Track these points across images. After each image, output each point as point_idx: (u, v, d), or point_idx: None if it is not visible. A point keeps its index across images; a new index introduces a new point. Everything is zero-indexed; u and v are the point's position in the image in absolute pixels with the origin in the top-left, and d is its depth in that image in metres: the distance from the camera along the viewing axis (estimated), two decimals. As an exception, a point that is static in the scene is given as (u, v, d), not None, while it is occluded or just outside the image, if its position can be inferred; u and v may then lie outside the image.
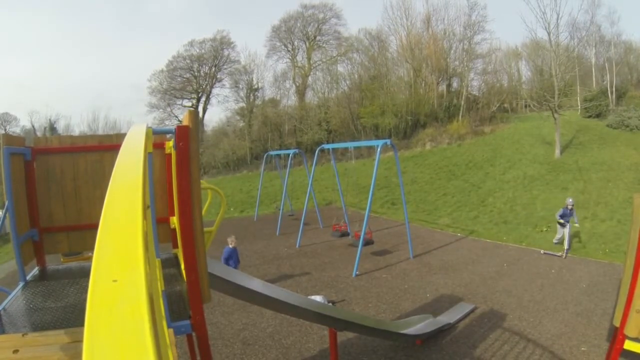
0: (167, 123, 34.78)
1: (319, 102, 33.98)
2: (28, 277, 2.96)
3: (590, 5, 25.29)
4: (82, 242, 3.30)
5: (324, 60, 36.18)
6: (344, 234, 11.12)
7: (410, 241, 9.31)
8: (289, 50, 37.51)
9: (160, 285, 1.84)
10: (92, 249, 0.72)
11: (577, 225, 9.52)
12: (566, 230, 9.08)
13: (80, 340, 1.78)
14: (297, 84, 36.38)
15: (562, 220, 9.21)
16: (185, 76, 37.10)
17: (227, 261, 6.56)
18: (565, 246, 8.92)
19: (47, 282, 2.93)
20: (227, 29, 45.97)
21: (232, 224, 14.51)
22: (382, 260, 9.05)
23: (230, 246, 6.76)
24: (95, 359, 0.50)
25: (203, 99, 37.75)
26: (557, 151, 17.92)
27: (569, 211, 9.18)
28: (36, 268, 3.21)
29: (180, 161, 2.22)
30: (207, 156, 31.84)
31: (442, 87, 30.73)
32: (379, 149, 8.76)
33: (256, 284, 3.24)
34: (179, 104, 37.37)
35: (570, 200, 9.38)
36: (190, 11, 54.82)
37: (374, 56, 32.91)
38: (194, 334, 2.34)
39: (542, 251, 9.31)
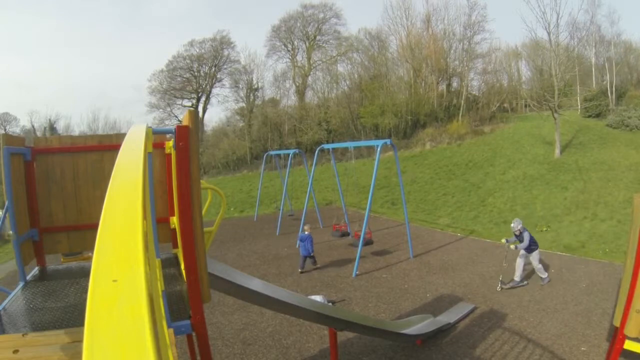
0: (167, 123, 34.78)
1: (319, 102, 34.00)
2: (28, 277, 2.96)
3: (590, 5, 25.36)
4: (82, 242, 3.30)
5: (324, 60, 36.19)
6: (344, 234, 11.12)
7: (410, 241, 9.31)
8: (288, 50, 37.52)
9: (160, 285, 1.84)
10: (92, 249, 0.72)
11: (509, 243, 7.15)
12: (518, 260, 7.09)
13: (80, 340, 1.78)
14: (297, 84, 36.37)
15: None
16: (185, 76, 37.09)
17: (302, 243, 8.29)
18: (516, 277, 6.99)
19: (47, 282, 2.93)
20: (227, 29, 45.98)
21: (232, 224, 14.52)
22: (382, 260, 9.05)
23: (306, 233, 8.39)
24: (95, 359, 0.50)
25: (203, 98, 37.76)
26: (557, 151, 17.92)
27: (515, 238, 7.14)
28: (36, 268, 3.21)
29: (180, 161, 2.22)
30: (207, 156, 31.83)
31: (442, 87, 30.75)
32: (378, 149, 8.76)
33: (256, 284, 3.24)
34: (179, 104, 37.38)
35: (514, 224, 7.12)
36: (190, 11, 54.85)
37: (374, 56, 32.92)
38: (194, 334, 2.34)
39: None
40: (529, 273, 7.73)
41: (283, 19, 37.04)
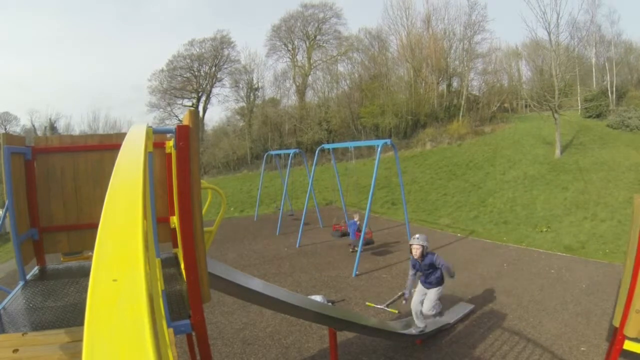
0: (167, 122, 34.79)
1: (319, 101, 34.00)
2: (28, 277, 2.96)
3: (591, 5, 25.34)
4: (82, 242, 3.30)
5: (324, 59, 36.19)
6: (344, 234, 11.11)
7: (410, 241, 9.30)
8: (289, 50, 37.52)
9: (160, 285, 1.84)
10: (92, 248, 0.72)
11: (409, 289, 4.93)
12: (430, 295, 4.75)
13: (80, 340, 1.78)
14: (297, 84, 36.38)
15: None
16: (185, 76, 37.10)
17: (350, 229, 9.41)
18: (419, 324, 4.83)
19: (47, 281, 2.94)
20: (227, 29, 46.14)
21: (232, 224, 14.52)
22: (382, 260, 9.05)
23: (356, 220, 9.36)
24: (95, 358, 0.50)
25: (203, 98, 37.78)
26: (558, 151, 17.92)
27: (434, 259, 4.70)
28: (36, 267, 3.21)
29: (180, 161, 2.22)
30: (207, 156, 31.84)
31: (442, 87, 30.75)
32: (379, 149, 8.75)
33: (256, 284, 3.24)
34: (179, 104, 37.42)
35: (418, 241, 4.72)
36: (190, 11, 54.87)
37: (374, 56, 32.93)
38: (193, 333, 2.34)
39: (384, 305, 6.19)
40: (527, 275, 7.72)
41: (283, 19, 37.10)
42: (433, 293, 4.76)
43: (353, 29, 40.35)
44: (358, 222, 9.28)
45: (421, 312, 4.81)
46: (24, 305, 2.48)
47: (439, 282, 4.78)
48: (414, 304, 4.86)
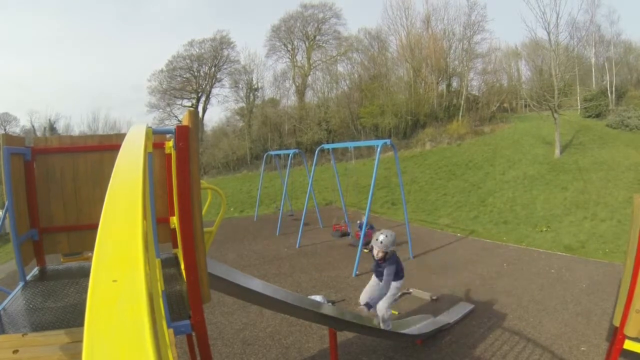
0: (167, 123, 34.75)
1: (319, 102, 33.99)
2: (28, 277, 2.96)
3: (590, 5, 25.33)
4: (82, 242, 3.30)
5: (324, 60, 36.19)
6: (344, 234, 11.11)
7: (410, 241, 9.30)
8: (288, 50, 37.53)
9: (160, 285, 1.84)
10: (92, 249, 0.72)
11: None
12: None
13: (80, 340, 1.77)
14: (297, 84, 36.38)
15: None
16: (185, 76, 37.10)
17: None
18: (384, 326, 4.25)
19: (47, 282, 2.93)
20: (226, 29, 45.95)
21: (232, 224, 14.51)
22: (382, 260, 9.05)
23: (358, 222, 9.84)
24: (95, 359, 0.50)
25: (203, 99, 37.77)
26: (557, 151, 17.93)
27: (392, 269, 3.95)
28: (36, 268, 3.21)
29: (180, 161, 2.22)
30: (207, 156, 31.83)
31: (442, 87, 30.75)
32: (378, 149, 8.76)
33: (256, 284, 3.24)
34: (179, 104, 37.40)
35: (380, 246, 3.88)
36: (190, 11, 54.82)
37: (374, 56, 32.93)
38: (194, 334, 2.34)
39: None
40: (527, 275, 7.72)
41: (283, 19, 37.09)
42: (392, 288, 4.02)
43: (353, 29, 40.44)
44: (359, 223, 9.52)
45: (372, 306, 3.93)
46: (24, 306, 2.48)
47: (396, 276, 3.99)
48: (363, 295, 4.12)
